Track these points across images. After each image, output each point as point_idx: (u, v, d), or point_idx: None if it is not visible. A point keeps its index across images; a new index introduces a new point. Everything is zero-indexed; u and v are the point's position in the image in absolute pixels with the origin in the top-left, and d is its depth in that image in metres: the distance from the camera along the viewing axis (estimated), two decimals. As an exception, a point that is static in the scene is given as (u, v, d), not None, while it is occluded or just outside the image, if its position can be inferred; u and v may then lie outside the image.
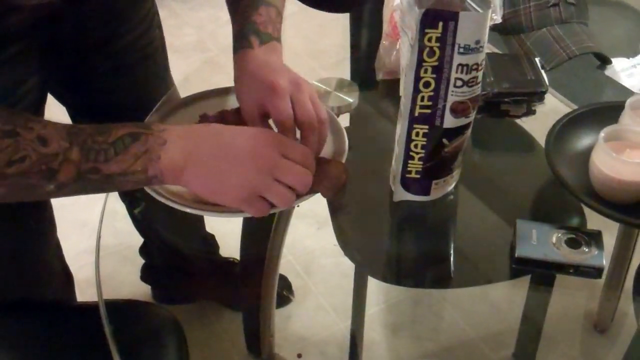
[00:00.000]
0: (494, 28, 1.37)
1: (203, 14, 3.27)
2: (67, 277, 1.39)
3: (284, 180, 0.87)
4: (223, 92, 1.13)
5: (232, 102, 1.07)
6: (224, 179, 0.86)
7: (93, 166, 0.80)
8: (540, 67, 1.25)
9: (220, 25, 3.16)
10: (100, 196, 1.11)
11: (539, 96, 1.22)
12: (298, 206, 1.03)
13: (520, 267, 0.98)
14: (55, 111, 1.28)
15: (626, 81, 1.33)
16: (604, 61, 1.36)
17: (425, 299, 1.75)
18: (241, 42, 1.01)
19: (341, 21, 1.54)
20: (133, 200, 1.18)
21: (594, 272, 0.96)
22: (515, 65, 1.26)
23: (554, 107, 1.24)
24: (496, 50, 1.38)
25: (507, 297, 1.63)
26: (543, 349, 1.49)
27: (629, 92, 1.29)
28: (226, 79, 1.17)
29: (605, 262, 0.96)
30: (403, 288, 1.77)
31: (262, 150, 0.87)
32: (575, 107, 1.18)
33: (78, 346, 1.15)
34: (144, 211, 1.15)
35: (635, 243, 1.34)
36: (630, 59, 1.38)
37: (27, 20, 0.98)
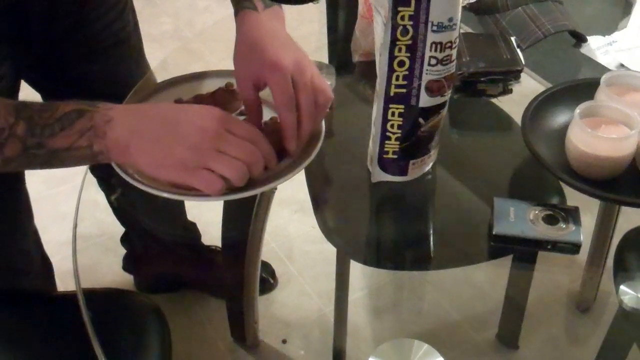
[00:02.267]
0: (470, 8, 1.37)
1: (179, 2, 3.25)
2: (46, 266, 1.38)
3: (229, 151, 0.86)
4: (198, 76, 1.13)
5: (207, 87, 1.07)
6: (167, 153, 0.85)
7: (39, 141, 0.80)
8: (515, 46, 1.25)
9: (197, 13, 3.15)
10: (79, 186, 1.11)
11: (515, 75, 1.22)
12: (276, 189, 1.03)
13: (498, 244, 0.98)
14: (30, 98, 1.27)
15: (602, 59, 1.34)
16: (580, 39, 1.37)
17: (408, 282, 1.75)
18: (244, 2, 0.99)
19: (319, 8, 1.53)
20: (109, 187, 1.17)
21: (572, 248, 0.96)
22: (490, 44, 1.26)
23: (530, 86, 1.24)
24: (472, 30, 1.38)
25: (490, 279, 1.64)
26: (526, 329, 1.50)
27: (604, 70, 1.29)
28: (203, 66, 1.16)
29: (584, 239, 0.96)
30: (386, 272, 1.77)
31: (205, 123, 0.86)
32: (551, 85, 1.18)
33: (58, 335, 1.14)
34: (121, 198, 1.14)
35: (615, 222, 1.34)
36: (606, 36, 1.38)
37: None
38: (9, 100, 0.81)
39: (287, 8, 1.05)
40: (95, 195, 1.25)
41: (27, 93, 1.21)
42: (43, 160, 0.82)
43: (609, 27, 1.42)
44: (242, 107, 1.02)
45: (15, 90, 1.15)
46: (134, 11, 1.28)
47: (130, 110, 0.86)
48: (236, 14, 1.00)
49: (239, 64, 0.98)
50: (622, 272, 1.15)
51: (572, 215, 0.99)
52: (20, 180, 1.22)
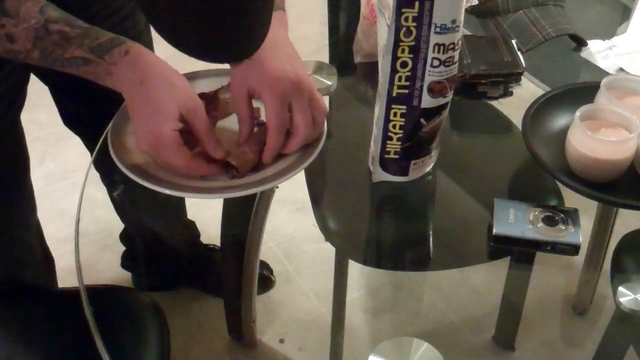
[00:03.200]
0: (471, 11, 1.37)
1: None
2: (47, 260, 1.38)
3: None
4: (201, 75, 1.13)
5: (210, 85, 1.07)
6: (137, 124, 0.94)
7: (50, 66, 0.92)
8: (516, 49, 1.26)
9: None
10: (80, 185, 1.11)
11: (516, 77, 1.22)
12: (277, 187, 1.04)
13: (498, 245, 0.98)
14: (40, 91, 1.28)
15: (602, 63, 1.34)
16: (580, 43, 1.37)
17: (406, 283, 1.76)
18: None
19: (321, 8, 1.54)
20: (112, 183, 1.17)
21: (571, 249, 0.97)
22: (492, 47, 1.27)
23: (530, 89, 1.25)
24: (473, 33, 1.38)
25: (487, 281, 1.64)
26: (523, 331, 1.50)
27: (604, 74, 1.29)
28: (205, 65, 1.16)
29: (582, 240, 0.97)
30: (384, 273, 1.77)
31: (141, 144, 0.94)
32: (551, 88, 1.19)
33: (58, 331, 1.14)
34: (123, 194, 1.14)
35: (613, 224, 1.35)
36: (606, 40, 1.39)
37: None
38: (33, 25, 0.88)
39: (288, 9, 1.05)
40: (94, 192, 1.25)
41: (35, 88, 1.22)
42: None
43: (608, 31, 1.42)
44: None
45: (25, 83, 1.15)
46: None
47: (130, 73, 0.92)
48: None
49: (236, 75, 0.98)
50: (619, 274, 1.15)
51: (571, 216, 0.99)
52: (24, 173, 1.22)
